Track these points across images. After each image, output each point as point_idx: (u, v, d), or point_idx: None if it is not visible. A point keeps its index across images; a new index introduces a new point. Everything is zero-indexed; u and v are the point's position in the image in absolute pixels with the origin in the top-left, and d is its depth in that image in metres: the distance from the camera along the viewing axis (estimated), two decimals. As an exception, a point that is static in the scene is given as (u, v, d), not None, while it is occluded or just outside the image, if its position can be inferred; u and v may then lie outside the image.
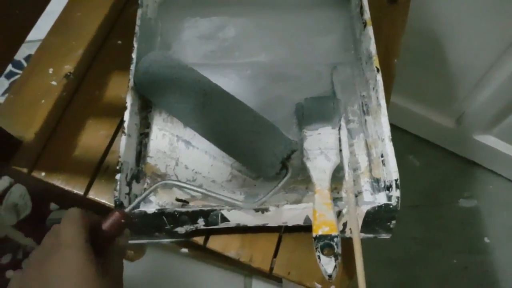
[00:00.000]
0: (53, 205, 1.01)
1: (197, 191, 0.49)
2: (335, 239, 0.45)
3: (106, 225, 0.42)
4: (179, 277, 1.04)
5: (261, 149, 0.50)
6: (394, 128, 0.51)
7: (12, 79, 1.21)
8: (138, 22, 0.58)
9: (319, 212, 0.47)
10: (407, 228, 1.16)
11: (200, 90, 0.53)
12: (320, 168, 0.51)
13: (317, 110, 0.55)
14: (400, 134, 1.25)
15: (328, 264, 0.45)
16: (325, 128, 0.54)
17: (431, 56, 0.97)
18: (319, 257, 0.45)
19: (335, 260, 0.45)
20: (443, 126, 1.16)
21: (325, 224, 0.46)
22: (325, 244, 0.45)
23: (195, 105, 0.53)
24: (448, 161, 1.25)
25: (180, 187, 0.51)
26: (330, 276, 0.44)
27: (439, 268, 1.13)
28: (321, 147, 0.52)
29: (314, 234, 0.46)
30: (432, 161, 1.25)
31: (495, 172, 1.24)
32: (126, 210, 0.44)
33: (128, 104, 0.53)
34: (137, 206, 0.47)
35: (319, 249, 0.45)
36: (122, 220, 0.42)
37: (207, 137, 0.54)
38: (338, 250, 0.45)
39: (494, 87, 0.95)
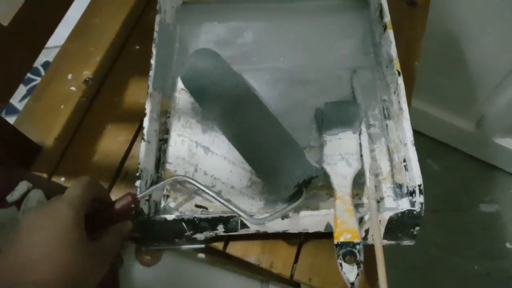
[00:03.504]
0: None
1: (209, 193, 0.49)
2: (357, 247, 0.45)
3: (117, 205, 0.44)
4: (195, 282, 1.03)
5: (279, 170, 0.49)
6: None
7: (29, 86, 1.23)
8: (156, 27, 0.58)
9: (341, 219, 0.46)
10: (427, 234, 1.14)
11: (234, 97, 0.53)
12: (341, 174, 0.50)
13: (337, 115, 0.54)
14: (419, 138, 1.21)
15: (350, 272, 0.44)
16: (346, 133, 0.53)
17: (450, 58, 0.96)
18: (341, 265, 0.44)
19: (358, 268, 0.44)
20: (462, 130, 1.14)
21: (347, 231, 0.45)
22: (347, 251, 0.44)
23: (227, 110, 0.53)
24: (468, 165, 1.23)
25: (194, 186, 0.50)
26: (352, 284, 0.43)
27: (460, 274, 1.11)
28: (342, 153, 0.52)
29: (335, 241, 0.45)
30: (452, 165, 1.23)
31: (517, 176, 1.21)
32: (139, 196, 0.46)
33: (148, 110, 0.52)
34: (150, 193, 0.49)
35: (341, 257, 0.44)
36: (133, 205, 0.44)
37: (233, 143, 0.54)
38: (361, 257, 0.44)
39: (515, 90, 0.93)
